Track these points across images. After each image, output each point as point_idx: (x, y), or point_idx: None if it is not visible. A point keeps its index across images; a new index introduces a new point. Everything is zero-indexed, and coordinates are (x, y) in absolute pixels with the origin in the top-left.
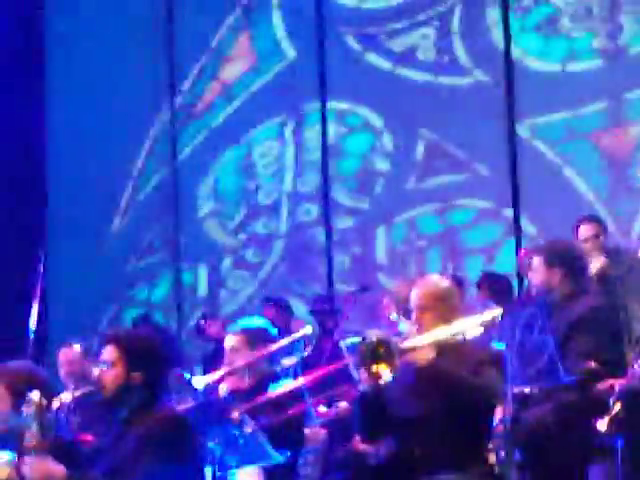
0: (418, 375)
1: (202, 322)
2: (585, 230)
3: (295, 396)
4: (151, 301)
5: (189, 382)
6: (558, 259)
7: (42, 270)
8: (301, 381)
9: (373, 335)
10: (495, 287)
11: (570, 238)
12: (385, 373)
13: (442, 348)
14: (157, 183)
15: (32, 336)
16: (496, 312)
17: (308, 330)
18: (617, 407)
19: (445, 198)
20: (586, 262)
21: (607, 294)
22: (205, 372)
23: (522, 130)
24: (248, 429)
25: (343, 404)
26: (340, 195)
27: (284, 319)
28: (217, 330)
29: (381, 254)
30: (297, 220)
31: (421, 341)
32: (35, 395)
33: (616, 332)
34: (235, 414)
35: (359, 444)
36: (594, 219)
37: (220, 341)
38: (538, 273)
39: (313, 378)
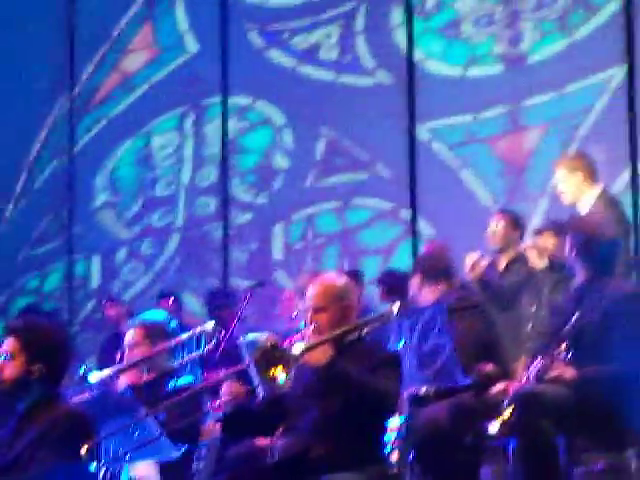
0: (316, 375)
1: (104, 302)
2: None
3: (192, 391)
4: (42, 291)
5: (85, 376)
6: (431, 271)
7: None
8: (199, 378)
9: (268, 339)
10: (397, 286)
11: (466, 239)
12: (280, 377)
13: (340, 347)
14: (53, 172)
15: None
16: (394, 310)
17: (209, 326)
18: (509, 410)
19: (344, 197)
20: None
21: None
22: (100, 362)
23: (422, 132)
24: (145, 422)
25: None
26: (238, 190)
27: (180, 314)
28: (115, 313)
29: (278, 251)
30: (194, 214)
31: (319, 341)
32: None
33: (491, 346)
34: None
35: (257, 440)
36: (504, 212)
37: (117, 326)
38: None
39: (212, 376)
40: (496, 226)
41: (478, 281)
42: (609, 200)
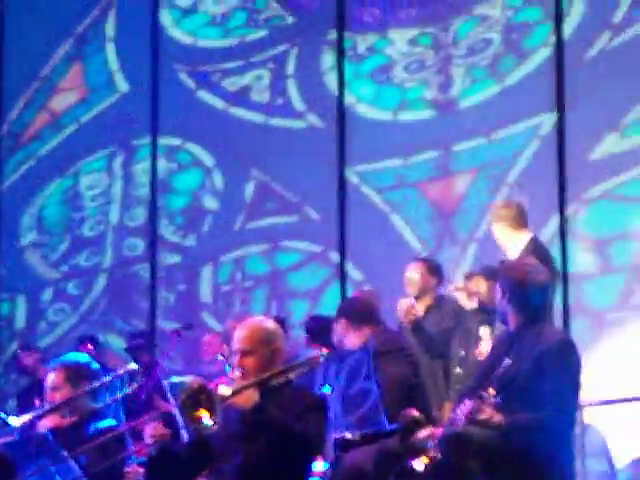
0: (242, 419)
1: (19, 352)
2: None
3: (115, 434)
4: None
5: (4, 420)
6: (358, 317)
7: None
8: (122, 420)
9: (194, 381)
10: (323, 330)
11: (394, 283)
12: (206, 419)
13: (266, 391)
14: None
15: None
16: (320, 355)
17: (133, 367)
18: (434, 452)
19: (273, 239)
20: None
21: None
22: (19, 406)
23: (352, 176)
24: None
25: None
26: (167, 231)
27: (100, 357)
28: (32, 362)
29: (206, 293)
30: (122, 254)
31: (245, 385)
32: None
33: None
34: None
35: None
36: (422, 260)
37: (35, 374)
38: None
39: (136, 418)
40: (413, 274)
41: (411, 326)
42: (537, 247)
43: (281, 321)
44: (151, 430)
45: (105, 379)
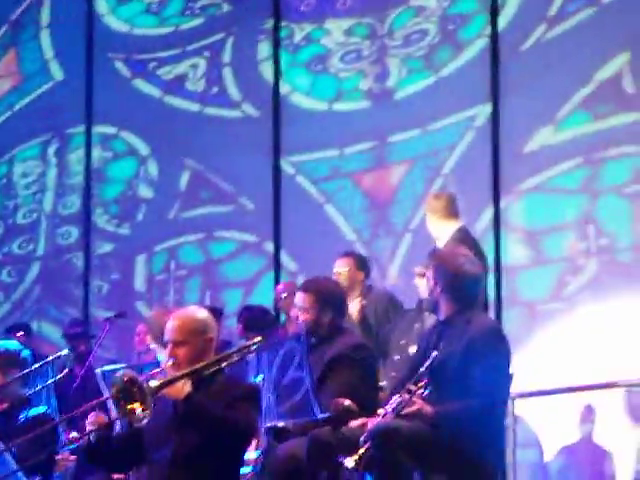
0: (174, 409)
1: None
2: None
3: (46, 422)
4: None
5: None
6: (330, 299)
7: None
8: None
9: (125, 374)
10: (255, 320)
11: (330, 274)
12: (138, 411)
13: (199, 381)
14: None
15: None
16: (253, 343)
17: (63, 353)
18: (366, 445)
19: (207, 229)
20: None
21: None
22: None
23: (287, 166)
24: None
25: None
26: (101, 220)
27: (32, 345)
28: None
29: (140, 282)
30: (56, 243)
31: (177, 375)
32: None
33: (372, 373)
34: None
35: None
36: (349, 254)
37: None
38: (307, 311)
39: (71, 410)
40: (342, 268)
41: (360, 323)
42: (465, 237)
43: (215, 311)
44: (92, 418)
45: (35, 366)
